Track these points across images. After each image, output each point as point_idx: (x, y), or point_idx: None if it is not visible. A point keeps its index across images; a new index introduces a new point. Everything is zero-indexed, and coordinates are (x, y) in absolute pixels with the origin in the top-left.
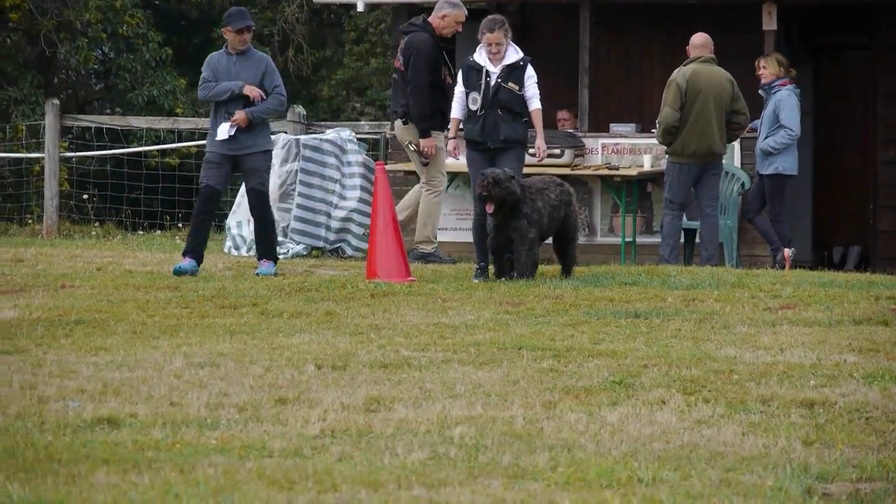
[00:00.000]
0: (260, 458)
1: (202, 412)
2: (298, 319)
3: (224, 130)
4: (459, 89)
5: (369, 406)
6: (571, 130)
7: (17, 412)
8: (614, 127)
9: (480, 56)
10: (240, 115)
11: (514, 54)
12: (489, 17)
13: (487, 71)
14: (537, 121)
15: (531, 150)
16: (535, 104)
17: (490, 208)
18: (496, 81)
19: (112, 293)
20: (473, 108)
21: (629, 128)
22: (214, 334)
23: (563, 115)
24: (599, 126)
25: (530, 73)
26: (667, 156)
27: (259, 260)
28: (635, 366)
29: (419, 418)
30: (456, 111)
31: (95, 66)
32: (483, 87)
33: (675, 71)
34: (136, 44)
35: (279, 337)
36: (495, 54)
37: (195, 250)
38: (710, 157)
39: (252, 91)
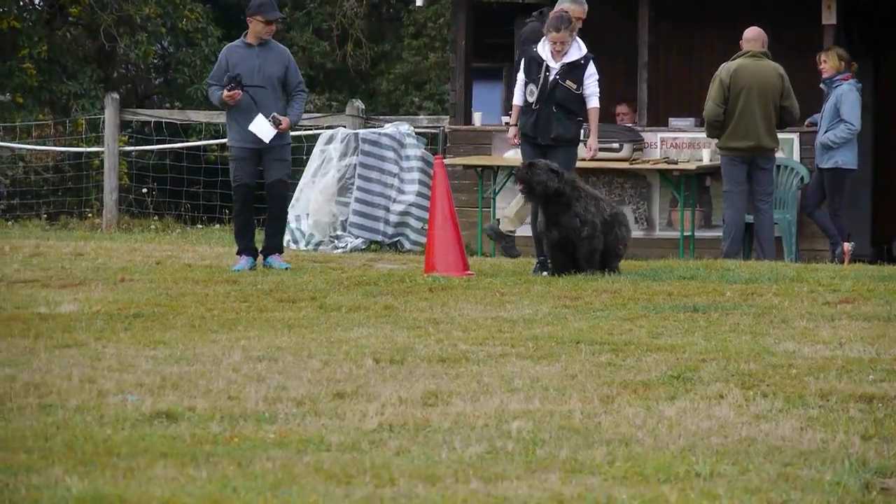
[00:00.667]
0: (318, 452)
1: (260, 406)
2: (357, 313)
3: (265, 129)
4: (521, 77)
5: (427, 400)
6: (630, 125)
7: (77, 406)
8: (673, 121)
9: (543, 49)
10: (286, 121)
11: (576, 52)
12: (556, 14)
13: (547, 66)
14: (593, 120)
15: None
16: (592, 103)
17: (520, 187)
18: (554, 78)
19: (171, 287)
20: (530, 100)
21: (688, 122)
22: (273, 328)
23: (621, 109)
24: (658, 120)
25: (591, 72)
26: (719, 149)
27: (267, 257)
28: (693, 360)
29: (477, 412)
30: (518, 99)
31: (155, 61)
32: (541, 81)
33: (722, 66)
34: (195, 38)
35: (337, 331)
36: (558, 51)
37: (247, 248)
38: (757, 150)
39: (232, 97)
